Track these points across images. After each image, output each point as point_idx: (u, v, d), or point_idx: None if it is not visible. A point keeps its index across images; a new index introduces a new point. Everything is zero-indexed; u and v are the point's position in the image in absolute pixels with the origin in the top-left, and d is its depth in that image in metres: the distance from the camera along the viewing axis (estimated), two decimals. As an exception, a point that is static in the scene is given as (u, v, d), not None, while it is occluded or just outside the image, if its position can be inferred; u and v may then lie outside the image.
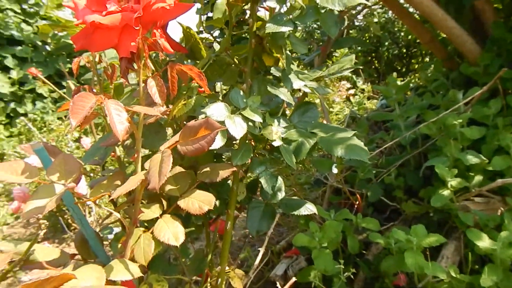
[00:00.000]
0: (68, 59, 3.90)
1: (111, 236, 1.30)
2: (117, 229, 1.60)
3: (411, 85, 1.92)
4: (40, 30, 0.78)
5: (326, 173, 1.58)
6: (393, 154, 1.55)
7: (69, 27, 0.77)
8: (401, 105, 1.45)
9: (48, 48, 3.82)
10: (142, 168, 0.63)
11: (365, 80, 3.17)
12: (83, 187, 1.50)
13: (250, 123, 0.71)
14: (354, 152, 0.77)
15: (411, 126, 1.37)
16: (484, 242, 0.87)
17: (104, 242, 0.83)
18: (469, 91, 1.21)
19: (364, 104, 2.78)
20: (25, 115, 3.53)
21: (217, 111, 0.68)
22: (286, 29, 0.65)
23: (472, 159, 1.05)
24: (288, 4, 0.69)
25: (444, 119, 1.14)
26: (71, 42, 3.67)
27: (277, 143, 0.73)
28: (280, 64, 0.80)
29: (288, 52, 0.75)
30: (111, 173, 0.89)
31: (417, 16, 1.66)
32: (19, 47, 3.59)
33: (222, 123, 0.66)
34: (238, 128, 0.66)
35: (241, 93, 0.72)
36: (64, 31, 0.79)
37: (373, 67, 3.32)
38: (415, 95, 1.62)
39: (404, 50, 2.98)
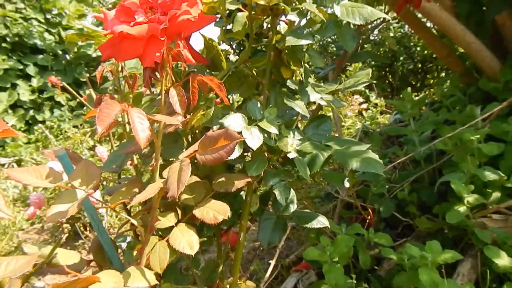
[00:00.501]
0: (86, 69, 3.98)
1: (124, 245, 1.32)
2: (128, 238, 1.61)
3: (426, 100, 1.91)
4: (68, 39, 0.81)
5: (337, 187, 1.57)
6: (406, 169, 1.54)
7: (94, 37, 0.79)
8: (416, 120, 1.44)
9: (67, 57, 3.91)
10: (160, 177, 0.64)
11: (378, 94, 3.17)
12: (96, 194, 1.52)
13: (265, 135, 0.72)
14: (370, 165, 0.77)
15: (426, 141, 1.36)
16: (503, 260, 0.86)
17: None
18: (487, 106, 1.20)
19: (377, 118, 2.77)
20: (43, 122, 3.60)
21: (234, 121, 0.69)
22: (305, 42, 0.66)
23: (490, 175, 1.04)
24: (308, 17, 0.70)
25: (461, 135, 1.14)
26: (89, 52, 3.77)
27: (292, 155, 0.74)
28: (295, 77, 0.81)
29: (306, 65, 0.76)
30: (127, 181, 0.90)
31: (434, 31, 1.66)
32: (41, 56, 3.68)
33: (239, 133, 0.67)
34: (255, 139, 0.67)
35: (258, 104, 0.73)
36: (88, 41, 0.82)
37: (387, 81, 3.31)
38: (430, 110, 1.61)
39: (419, 65, 2.97)
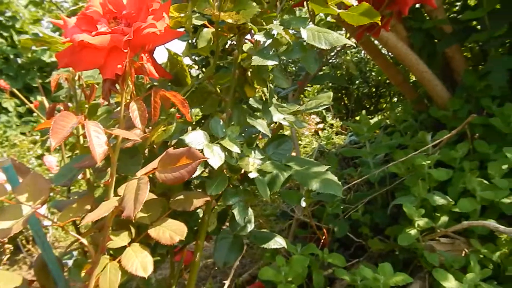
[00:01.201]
0: (39, 74, 3.81)
1: (70, 262, 1.24)
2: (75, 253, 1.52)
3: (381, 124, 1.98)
4: (22, 43, 0.76)
5: (293, 205, 1.58)
6: (360, 190, 1.58)
7: (50, 43, 0.75)
8: (371, 143, 1.49)
9: (19, 61, 3.72)
10: (115, 194, 0.61)
11: (334, 115, 3.25)
12: (42, 208, 1.44)
13: (227, 153, 0.71)
14: (329, 186, 0.78)
15: (380, 164, 1.41)
16: (450, 283, 0.89)
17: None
18: (438, 133, 1.26)
19: (332, 139, 2.84)
20: (-14, 128, 3.38)
21: (196, 139, 0.67)
22: (271, 63, 0.66)
23: (439, 200, 1.08)
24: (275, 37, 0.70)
25: (413, 160, 1.18)
26: (43, 58, 3.61)
27: (253, 174, 0.73)
28: (258, 95, 0.81)
29: (271, 85, 0.76)
30: (76, 196, 0.86)
31: (390, 59, 1.73)
32: (-10, 58, 3.49)
33: (201, 151, 0.66)
34: (216, 158, 0.66)
35: (221, 122, 0.72)
36: (44, 46, 0.77)
37: (343, 103, 3.41)
38: (384, 134, 1.67)
39: (374, 89, 3.09)
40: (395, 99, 3.09)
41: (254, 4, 0.64)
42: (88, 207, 0.61)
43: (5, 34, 3.65)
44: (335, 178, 0.81)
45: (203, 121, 0.99)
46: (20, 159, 2.53)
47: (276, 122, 0.88)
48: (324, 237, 1.31)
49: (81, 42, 0.55)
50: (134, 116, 0.57)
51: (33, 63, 3.78)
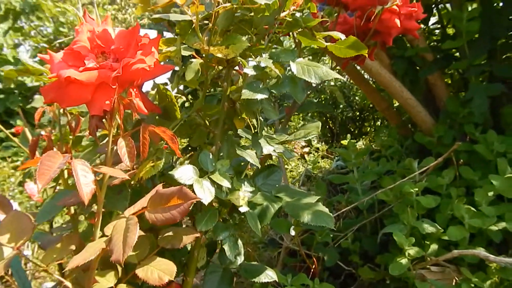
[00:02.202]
0: (20, 98, 3.74)
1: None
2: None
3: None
4: (5, 74, 0.74)
5: (282, 233, 1.56)
6: (349, 216, 1.57)
7: (35, 73, 0.73)
8: (357, 168, 1.49)
9: (0, 85, 3.66)
10: (101, 232, 0.59)
11: (319, 139, 3.27)
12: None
13: (216, 187, 0.69)
14: (321, 218, 0.78)
15: (368, 190, 1.41)
16: (442, 315, 0.88)
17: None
18: (424, 160, 1.27)
19: (319, 163, 2.84)
20: (-36, 153, 3.29)
21: (185, 174, 0.66)
22: (261, 96, 0.66)
23: (428, 227, 1.08)
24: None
25: (401, 187, 1.18)
26: (25, 81, 3.56)
27: (243, 209, 0.72)
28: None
29: (260, 118, 0.75)
30: (60, 232, 0.83)
31: (373, 84, 1.76)
32: (-32, 82, 3.43)
33: (190, 186, 0.64)
34: (206, 194, 0.64)
35: (210, 156, 0.71)
36: (28, 77, 0.76)
37: (328, 127, 3.44)
38: (371, 159, 1.68)
39: (358, 113, 3.13)
40: (379, 123, 3.13)
41: (244, 38, 0.64)
42: (73, 247, 0.59)
43: (-16, 58, 3.60)
44: (326, 210, 0.80)
45: (189, 147, 0.97)
46: (1, 186, 2.45)
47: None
48: (314, 266, 1.29)
49: (67, 77, 0.54)
50: (122, 153, 0.55)
51: (14, 87, 3.72)
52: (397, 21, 0.98)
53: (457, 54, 1.56)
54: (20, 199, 2.36)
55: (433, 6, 1.69)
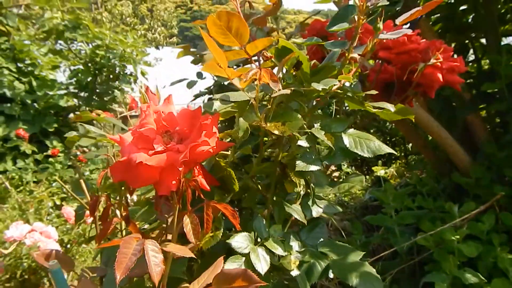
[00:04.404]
0: (55, 118, 3.89)
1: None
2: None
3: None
4: (68, 138, 0.80)
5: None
6: (384, 257, 1.56)
7: (96, 140, 0.78)
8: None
9: (36, 105, 3.82)
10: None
11: (349, 163, 3.26)
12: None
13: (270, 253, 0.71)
14: (369, 281, 0.79)
15: (406, 232, 1.40)
16: None
17: None
18: (464, 205, 1.26)
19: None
20: (3, 172, 3.43)
21: (241, 242, 0.69)
22: (315, 168, 0.68)
23: (471, 278, 1.07)
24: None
25: (442, 233, 1.18)
26: (59, 102, 3.69)
27: (295, 272, 0.74)
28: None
29: (312, 185, 0.78)
30: None
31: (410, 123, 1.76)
32: (8, 104, 3.58)
33: (247, 255, 0.67)
34: (262, 263, 0.67)
35: (263, 221, 0.73)
36: (93, 141, 0.81)
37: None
38: (407, 196, 1.67)
39: (388, 138, 3.11)
40: (409, 145, 3.10)
41: (299, 116, 0.66)
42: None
43: (23, 79, 3.76)
44: (373, 271, 0.81)
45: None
46: (39, 210, 2.54)
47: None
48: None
49: (139, 162, 0.57)
50: (187, 230, 0.59)
51: (49, 108, 3.87)
52: (440, 76, 0.99)
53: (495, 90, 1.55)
54: (58, 223, 2.45)
55: (467, 41, 1.69)
